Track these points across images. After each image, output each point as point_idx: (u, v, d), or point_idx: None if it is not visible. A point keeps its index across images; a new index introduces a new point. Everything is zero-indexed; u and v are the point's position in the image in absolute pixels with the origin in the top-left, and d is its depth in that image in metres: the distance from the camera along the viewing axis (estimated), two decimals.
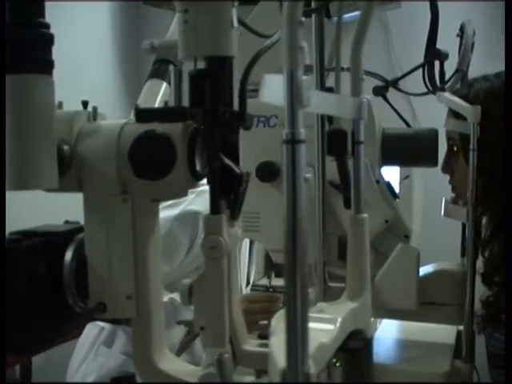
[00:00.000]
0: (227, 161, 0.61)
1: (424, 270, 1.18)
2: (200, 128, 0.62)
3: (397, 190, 1.43)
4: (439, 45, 1.17)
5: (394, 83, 1.23)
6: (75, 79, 2.59)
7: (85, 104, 0.69)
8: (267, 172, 1.04)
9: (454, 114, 1.13)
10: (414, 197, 1.38)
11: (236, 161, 0.64)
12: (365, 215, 0.69)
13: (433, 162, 1.14)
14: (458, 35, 1.28)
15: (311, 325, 0.59)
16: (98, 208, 0.65)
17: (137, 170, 0.62)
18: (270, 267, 2.50)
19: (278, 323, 0.55)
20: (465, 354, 1.10)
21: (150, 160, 0.62)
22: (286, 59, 0.44)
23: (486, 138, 1.05)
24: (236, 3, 0.62)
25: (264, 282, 2.53)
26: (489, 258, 1.11)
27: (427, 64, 1.18)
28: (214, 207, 0.60)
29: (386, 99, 1.24)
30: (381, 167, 1.15)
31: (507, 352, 0.85)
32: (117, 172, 0.63)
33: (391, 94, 1.26)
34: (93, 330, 1.44)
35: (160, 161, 0.61)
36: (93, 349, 1.43)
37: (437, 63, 1.21)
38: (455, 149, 1.18)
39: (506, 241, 0.99)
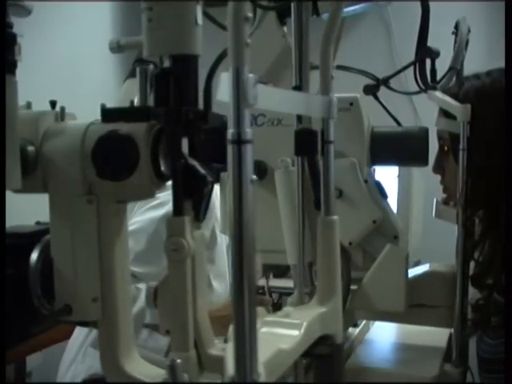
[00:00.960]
0: (192, 161, 0.60)
1: (414, 272, 1.16)
2: (164, 128, 0.61)
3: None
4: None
5: (385, 82, 1.21)
6: (75, 79, 2.59)
7: (53, 104, 0.68)
8: (254, 171, 1.02)
9: (445, 113, 1.11)
10: (413, 196, 1.35)
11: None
12: (335, 217, 0.68)
13: (423, 161, 1.11)
14: (453, 33, 1.26)
15: (275, 330, 0.57)
16: (63, 209, 0.64)
17: (99, 171, 0.61)
18: (269, 268, 2.47)
19: None
20: (455, 357, 1.08)
21: (112, 160, 0.61)
22: (232, 56, 0.42)
23: (475, 137, 1.03)
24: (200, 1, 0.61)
25: (262, 282, 2.50)
26: (479, 260, 1.09)
27: (418, 62, 1.16)
28: (177, 208, 0.59)
29: (376, 98, 1.21)
30: (370, 167, 1.13)
31: (507, 353, 0.83)
32: (81, 173, 0.62)
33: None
34: (81, 331, 1.43)
35: (122, 161, 0.60)
36: (81, 351, 1.42)
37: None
38: (446, 148, 1.16)
39: (505, 240, 0.96)
